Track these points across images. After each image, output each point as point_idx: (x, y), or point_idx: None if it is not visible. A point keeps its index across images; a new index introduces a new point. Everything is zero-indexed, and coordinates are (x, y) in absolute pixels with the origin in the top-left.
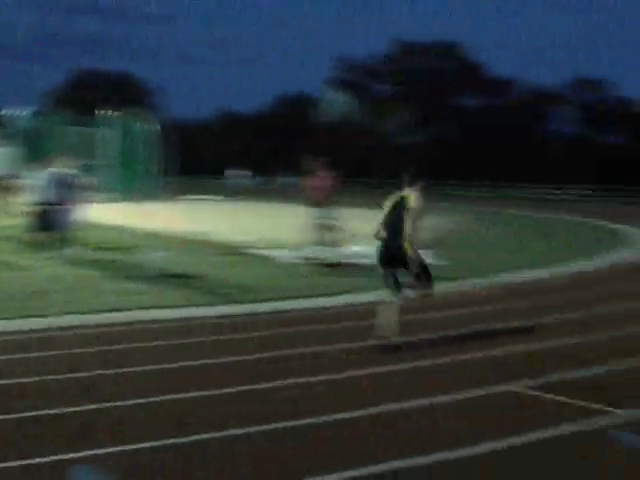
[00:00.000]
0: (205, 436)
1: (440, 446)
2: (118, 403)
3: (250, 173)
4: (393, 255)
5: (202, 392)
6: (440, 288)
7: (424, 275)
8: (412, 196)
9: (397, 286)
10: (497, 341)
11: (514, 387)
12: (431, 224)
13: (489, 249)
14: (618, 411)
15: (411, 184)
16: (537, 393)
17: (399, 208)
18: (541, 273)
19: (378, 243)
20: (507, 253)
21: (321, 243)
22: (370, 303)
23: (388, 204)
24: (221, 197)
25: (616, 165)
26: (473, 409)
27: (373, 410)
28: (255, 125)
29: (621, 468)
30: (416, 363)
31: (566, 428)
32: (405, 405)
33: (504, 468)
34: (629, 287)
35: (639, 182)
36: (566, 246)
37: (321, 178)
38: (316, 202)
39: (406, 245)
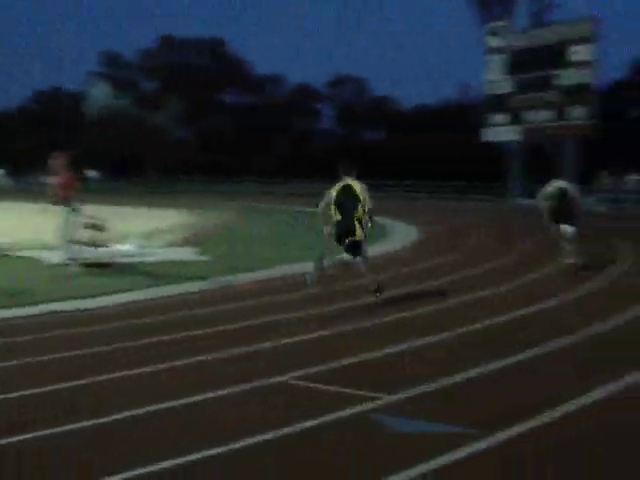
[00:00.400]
0: None
1: (210, 441)
2: None
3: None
4: (345, 233)
5: None
6: (204, 285)
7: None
8: (356, 185)
9: (355, 253)
10: (264, 335)
11: (282, 378)
12: (195, 220)
13: (253, 244)
14: (381, 395)
15: (349, 173)
16: (304, 383)
17: (347, 194)
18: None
19: (333, 223)
20: (271, 247)
21: (86, 243)
22: (142, 301)
23: (335, 190)
24: None
25: (375, 162)
26: (244, 403)
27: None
28: (17, 122)
29: (386, 451)
30: (186, 361)
31: (332, 415)
32: (182, 401)
33: (274, 459)
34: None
35: (397, 177)
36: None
37: (64, 175)
38: (62, 200)
39: (357, 227)
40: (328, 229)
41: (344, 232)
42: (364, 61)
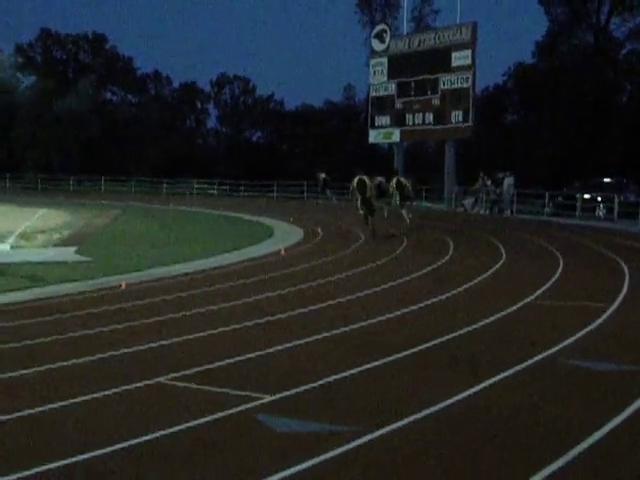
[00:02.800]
0: None
1: (94, 444)
2: None
3: None
4: (366, 204)
5: None
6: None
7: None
8: (367, 178)
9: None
10: (143, 337)
11: (161, 379)
12: (73, 220)
13: (141, 245)
14: (264, 396)
15: (361, 173)
16: (183, 384)
17: (362, 184)
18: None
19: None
20: (156, 248)
21: None
22: (22, 302)
23: (355, 182)
24: None
25: (261, 162)
26: (122, 404)
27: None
28: None
29: (267, 451)
30: (61, 364)
31: (216, 416)
32: (64, 403)
33: (158, 459)
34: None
35: (280, 177)
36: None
37: None
38: None
39: (372, 200)
40: (357, 202)
41: (366, 204)
42: (249, 61)
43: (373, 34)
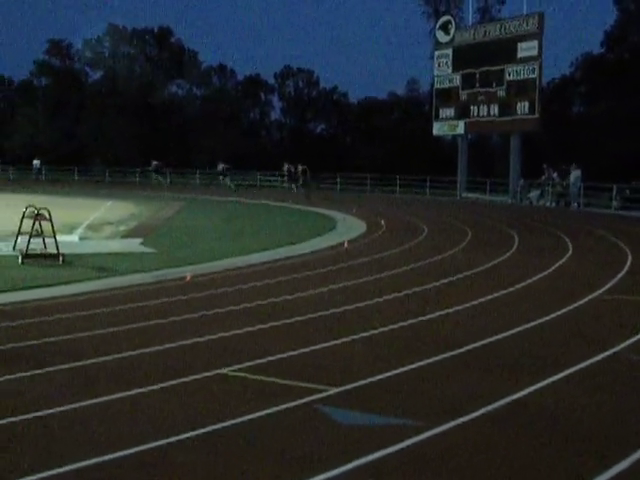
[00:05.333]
0: None
1: (155, 434)
2: None
3: None
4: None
5: None
6: (150, 276)
7: None
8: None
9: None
10: (205, 329)
11: (223, 371)
12: (139, 211)
13: (205, 236)
14: (329, 388)
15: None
16: (245, 375)
17: (304, 171)
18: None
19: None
20: (220, 240)
21: (33, 233)
22: (91, 292)
23: (300, 169)
24: None
25: (324, 154)
26: (186, 395)
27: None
28: None
29: (331, 443)
30: (124, 353)
31: (279, 407)
32: (132, 392)
33: (222, 449)
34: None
35: (344, 169)
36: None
37: None
38: None
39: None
40: (298, 184)
41: (305, 185)
42: (313, 54)
43: (438, 26)
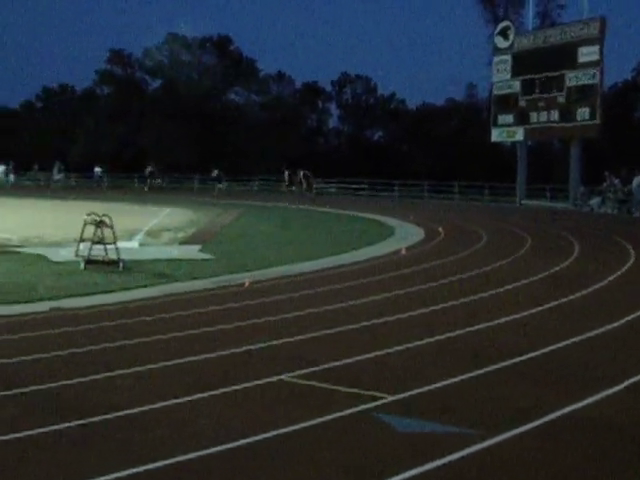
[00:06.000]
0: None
1: (220, 439)
2: None
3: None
4: (311, 188)
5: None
6: (210, 282)
7: None
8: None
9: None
10: (266, 334)
11: (283, 377)
12: (197, 218)
13: (263, 243)
14: (385, 395)
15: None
16: (305, 382)
17: (307, 176)
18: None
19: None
20: (277, 246)
21: (95, 240)
22: (151, 298)
23: (302, 174)
24: None
25: (382, 161)
26: (246, 400)
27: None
28: (22, 118)
29: (388, 451)
30: (187, 358)
31: (337, 414)
32: (189, 398)
33: (279, 455)
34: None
35: (401, 176)
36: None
37: None
38: None
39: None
40: (303, 187)
41: (310, 188)
42: (371, 60)
43: (497, 31)
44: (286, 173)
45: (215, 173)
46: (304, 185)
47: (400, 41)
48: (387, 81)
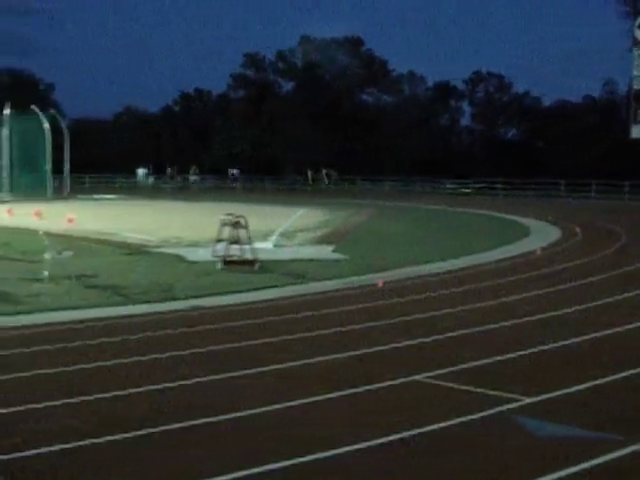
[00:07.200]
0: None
1: (357, 437)
2: None
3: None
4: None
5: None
6: (346, 283)
7: None
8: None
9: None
10: (398, 335)
11: (418, 377)
12: (331, 218)
13: (395, 243)
14: (522, 397)
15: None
16: (439, 382)
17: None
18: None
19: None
20: (411, 246)
21: (229, 240)
22: (285, 298)
23: (324, 172)
24: (116, 196)
25: (516, 159)
26: (379, 400)
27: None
28: (161, 122)
29: (526, 454)
30: (327, 357)
31: (473, 415)
32: (325, 397)
33: (416, 455)
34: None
35: (536, 175)
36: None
37: None
38: None
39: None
40: (327, 182)
41: (331, 182)
42: (504, 57)
43: (637, 24)
44: (309, 173)
45: (232, 173)
46: (326, 181)
47: (536, 38)
48: (521, 78)
